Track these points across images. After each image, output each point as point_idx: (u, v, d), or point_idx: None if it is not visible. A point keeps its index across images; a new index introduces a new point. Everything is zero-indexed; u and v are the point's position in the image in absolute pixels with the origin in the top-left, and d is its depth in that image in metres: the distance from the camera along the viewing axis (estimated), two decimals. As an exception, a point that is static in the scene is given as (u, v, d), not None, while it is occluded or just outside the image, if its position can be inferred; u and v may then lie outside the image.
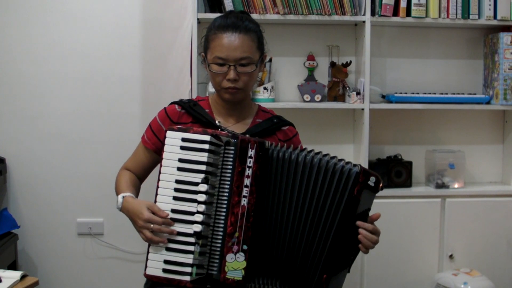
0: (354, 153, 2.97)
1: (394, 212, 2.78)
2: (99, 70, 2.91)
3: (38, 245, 2.96)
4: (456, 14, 2.79)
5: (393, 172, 2.87)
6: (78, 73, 2.91)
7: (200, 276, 1.58)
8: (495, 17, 2.80)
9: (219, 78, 1.74)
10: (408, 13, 2.77)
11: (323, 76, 2.95)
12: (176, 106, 1.83)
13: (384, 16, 2.76)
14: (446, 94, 2.90)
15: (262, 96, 2.77)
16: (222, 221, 1.59)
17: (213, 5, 2.71)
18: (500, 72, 2.82)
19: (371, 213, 1.66)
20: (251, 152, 1.60)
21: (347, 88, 2.87)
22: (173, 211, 1.60)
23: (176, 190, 1.61)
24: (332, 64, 2.91)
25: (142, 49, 2.93)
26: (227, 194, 1.59)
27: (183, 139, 1.62)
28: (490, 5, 2.79)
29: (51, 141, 2.92)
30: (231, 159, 1.60)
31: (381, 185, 1.62)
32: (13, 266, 2.76)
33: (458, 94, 2.90)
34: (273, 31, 2.81)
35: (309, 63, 2.92)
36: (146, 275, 1.61)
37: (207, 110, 1.83)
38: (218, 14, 2.64)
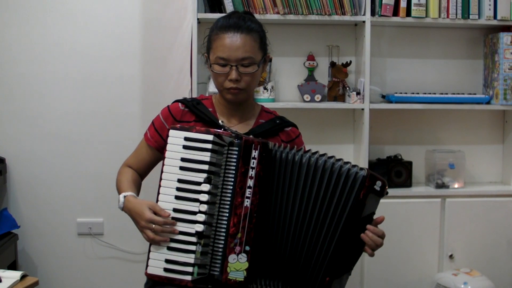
0: (354, 153, 2.97)
1: (394, 212, 2.78)
2: (99, 70, 2.91)
3: (38, 245, 2.96)
4: (456, 14, 2.79)
5: (393, 172, 2.87)
6: (78, 73, 2.91)
7: (202, 276, 1.58)
8: (495, 17, 2.80)
9: (221, 79, 1.73)
10: (408, 13, 2.77)
11: (323, 76, 2.95)
12: (180, 104, 1.83)
13: (384, 16, 2.76)
14: (446, 94, 2.90)
15: (262, 96, 2.77)
16: (225, 222, 1.58)
17: (213, 5, 2.71)
18: (500, 72, 2.82)
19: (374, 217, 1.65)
20: (254, 153, 1.59)
21: (347, 88, 2.87)
22: (175, 210, 1.60)
23: (178, 189, 1.60)
24: (332, 64, 2.91)
25: (142, 49, 2.93)
26: (230, 195, 1.59)
27: (186, 138, 1.62)
28: (490, 5, 2.79)
29: (51, 141, 2.92)
30: (234, 160, 1.59)
31: (386, 189, 1.62)
32: (13, 266, 2.76)
33: (458, 94, 2.90)
34: (273, 31, 2.79)
35: (309, 63, 2.92)
36: (147, 274, 1.61)
37: (210, 109, 1.82)
38: (218, 14, 2.66)
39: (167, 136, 1.64)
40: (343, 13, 2.72)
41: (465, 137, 3.05)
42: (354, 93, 2.77)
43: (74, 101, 2.92)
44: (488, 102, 2.90)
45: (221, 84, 1.74)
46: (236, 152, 1.59)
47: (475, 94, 2.95)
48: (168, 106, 1.85)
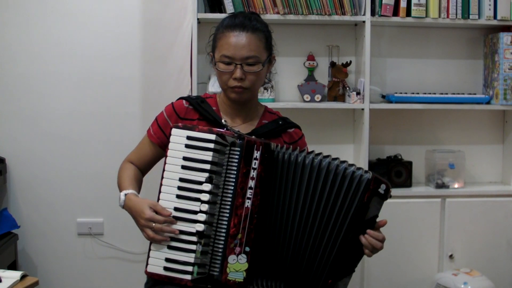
0: (354, 153, 2.97)
1: (394, 212, 2.77)
2: (99, 70, 2.91)
3: (38, 245, 2.96)
4: (456, 14, 2.79)
5: (393, 172, 2.87)
6: (78, 73, 2.91)
7: (201, 276, 1.58)
8: (495, 17, 2.80)
9: (226, 77, 1.73)
10: (408, 13, 2.77)
11: (323, 76, 2.95)
12: (184, 101, 1.83)
13: (384, 16, 2.76)
14: (446, 94, 2.90)
15: (262, 96, 2.77)
16: (225, 222, 1.58)
17: (213, 5, 2.71)
18: (500, 72, 2.82)
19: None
20: (256, 154, 1.59)
21: (347, 88, 2.87)
22: (176, 209, 1.60)
23: (179, 188, 1.60)
24: (332, 64, 2.91)
25: (142, 49, 2.93)
26: (231, 195, 1.59)
27: (188, 137, 1.61)
28: (490, 5, 2.79)
29: (51, 141, 2.92)
30: (236, 160, 1.59)
31: (390, 193, 1.61)
32: (13, 266, 2.76)
33: (458, 94, 2.90)
34: (273, 31, 2.80)
35: (309, 63, 2.92)
36: (147, 273, 1.61)
37: (214, 108, 1.82)
38: (218, 14, 2.67)
39: (170, 134, 1.63)
40: (343, 13, 2.72)
41: (465, 137, 3.05)
42: (354, 93, 2.77)
43: (74, 101, 2.92)
44: (488, 102, 2.90)
45: (225, 82, 1.74)
46: (238, 153, 1.59)
47: (475, 94, 2.95)
48: (172, 103, 1.84)
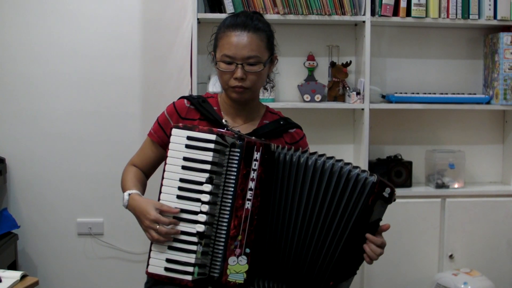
0: (354, 153, 2.97)
1: (394, 212, 2.75)
2: (99, 70, 2.91)
3: (38, 245, 2.95)
4: (456, 14, 2.79)
5: (393, 172, 2.87)
6: (78, 73, 2.91)
7: (202, 277, 1.57)
8: (495, 17, 2.80)
9: (227, 77, 1.72)
10: (408, 13, 2.77)
11: (323, 76, 2.95)
12: (185, 101, 1.82)
13: (384, 16, 2.76)
14: (446, 94, 2.90)
15: (262, 96, 2.77)
16: (225, 224, 1.58)
17: (213, 5, 2.71)
18: (500, 72, 2.82)
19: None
20: (256, 155, 1.58)
21: (347, 88, 2.87)
22: None
23: (180, 188, 1.60)
24: (332, 64, 2.91)
25: (142, 49, 2.93)
26: (231, 197, 1.58)
27: (189, 138, 1.61)
28: (490, 5, 2.79)
29: (51, 141, 2.92)
30: (236, 161, 1.58)
31: (395, 196, 1.61)
32: (13, 266, 2.75)
33: (458, 94, 2.90)
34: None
35: (309, 63, 2.92)
36: (147, 273, 1.61)
37: (215, 108, 1.81)
38: (218, 14, 2.67)
39: (170, 135, 1.63)
40: (343, 13, 2.72)
41: (465, 137, 3.05)
42: (354, 93, 2.77)
43: (74, 101, 2.92)
44: (488, 102, 2.90)
45: (226, 82, 1.73)
46: (238, 154, 1.58)
47: (475, 94, 2.95)
48: (173, 102, 1.83)
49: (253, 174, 1.58)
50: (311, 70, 2.92)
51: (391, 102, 2.84)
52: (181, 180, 1.60)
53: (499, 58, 2.82)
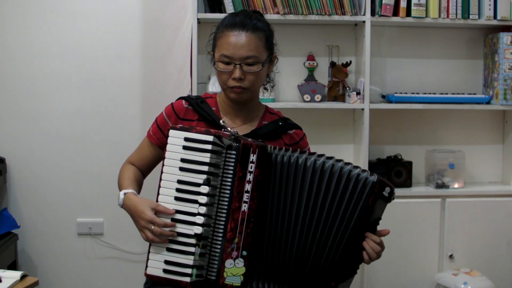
0: (354, 153, 2.97)
1: (394, 212, 2.76)
2: (99, 70, 2.91)
3: (38, 245, 2.96)
4: (456, 14, 2.79)
5: (393, 172, 2.87)
6: (78, 73, 2.91)
7: (199, 279, 1.57)
8: (495, 17, 2.80)
9: (225, 77, 1.71)
10: (408, 13, 2.77)
11: (323, 76, 2.95)
12: (184, 101, 1.81)
13: (384, 16, 2.76)
14: (446, 94, 2.90)
15: (262, 96, 2.77)
16: (222, 226, 1.57)
17: (213, 5, 2.71)
18: (500, 72, 2.82)
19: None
20: (252, 157, 1.57)
21: (347, 88, 2.87)
22: (175, 211, 1.59)
23: (178, 190, 1.59)
24: (332, 64, 2.91)
25: (142, 49, 2.93)
26: (227, 199, 1.57)
27: (186, 139, 1.60)
28: (490, 5, 2.79)
29: (51, 141, 2.92)
30: (232, 163, 1.57)
31: (394, 195, 1.61)
32: (13, 266, 2.76)
33: (458, 94, 2.90)
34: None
35: (309, 63, 2.92)
36: (146, 275, 1.61)
37: (213, 108, 1.80)
38: (218, 14, 2.66)
39: (168, 136, 1.62)
40: (343, 13, 2.72)
41: (465, 137, 3.05)
42: (354, 93, 2.77)
43: (74, 101, 2.92)
44: (488, 102, 2.89)
45: (224, 82, 1.72)
46: (234, 156, 1.57)
47: (475, 94, 2.95)
48: (172, 103, 1.83)
49: (250, 177, 1.57)
50: (311, 70, 2.92)
51: (391, 102, 2.84)
52: (179, 181, 1.59)
53: (499, 58, 2.82)
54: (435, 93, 2.91)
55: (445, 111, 2.99)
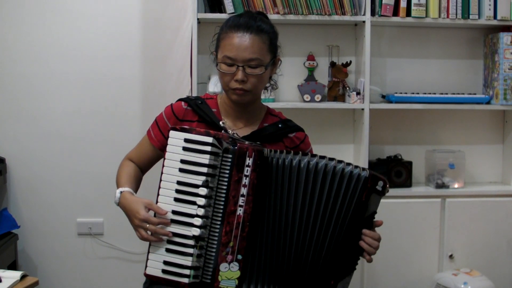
0: (354, 153, 2.97)
1: (394, 212, 2.78)
2: (99, 70, 2.91)
3: (38, 245, 2.96)
4: (456, 14, 2.79)
5: (393, 172, 2.87)
6: (78, 73, 2.91)
7: (196, 281, 1.57)
8: (495, 17, 2.80)
9: (227, 78, 1.70)
10: (408, 13, 2.77)
11: (323, 76, 2.95)
12: (183, 103, 1.80)
13: (384, 16, 2.76)
14: (446, 94, 2.90)
15: (262, 96, 2.76)
16: (218, 230, 1.57)
17: (213, 5, 2.71)
18: (500, 72, 2.82)
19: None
20: (248, 161, 1.57)
21: (347, 88, 2.87)
22: (174, 212, 1.59)
23: (177, 191, 1.59)
24: (332, 64, 2.91)
25: (142, 49, 2.93)
26: (223, 203, 1.57)
27: (186, 140, 1.60)
28: (490, 5, 2.79)
29: (51, 141, 2.92)
30: (228, 167, 1.57)
31: (388, 188, 1.61)
32: (13, 266, 2.76)
33: (458, 94, 2.90)
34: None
35: (309, 63, 2.92)
36: (145, 275, 1.61)
37: (214, 110, 1.80)
38: (218, 14, 2.67)
39: (168, 137, 1.62)
40: (343, 13, 2.72)
41: (465, 137, 3.05)
42: (354, 93, 2.77)
43: (74, 101, 2.92)
44: (488, 102, 2.89)
45: (226, 84, 1.71)
46: (230, 159, 1.57)
47: (475, 94, 2.95)
48: (171, 104, 1.82)
49: (245, 180, 1.57)
50: (311, 70, 2.92)
51: (391, 102, 2.84)
52: (178, 182, 1.59)
53: (499, 58, 2.82)
54: (435, 93, 2.91)
55: (445, 111, 2.99)
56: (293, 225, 1.59)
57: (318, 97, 2.85)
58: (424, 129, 3.03)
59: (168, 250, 1.58)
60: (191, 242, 1.57)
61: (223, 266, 1.57)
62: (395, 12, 2.77)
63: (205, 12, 2.74)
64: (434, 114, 3.02)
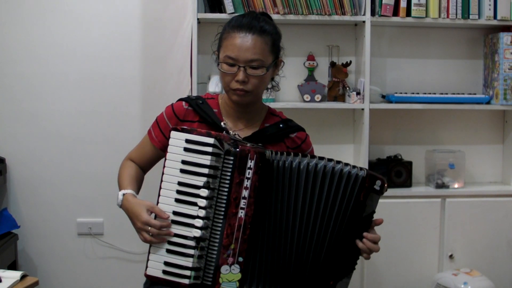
0: (354, 153, 2.97)
1: (394, 212, 2.78)
2: (99, 70, 2.91)
3: (38, 245, 2.96)
4: (456, 14, 2.79)
5: (393, 172, 2.87)
6: (78, 73, 2.91)
7: (196, 282, 1.57)
8: (495, 17, 2.80)
9: (228, 78, 1.69)
10: (408, 13, 2.77)
11: (323, 76, 2.95)
12: (184, 103, 1.80)
13: (384, 16, 2.76)
14: (446, 94, 2.90)
15: (263, 96, 2.76)
16: (219, 232, 1.57)
17: (213, 5, 2.71)
18: (500, 72, 2.82)
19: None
20: (250, 163, 1.56)
21: (347, 88, 2.87)
22: (175, 213, 1.59)
23: (178, 192, 1.59)
24: (332, 64, 2.91)
25: (142, 49, 2.93)
26: (224, 205, 1.57)
27: (187, 141, 1.59)
28: (490, 5, 2.79)
29: (51, 141, 2.92)
30: (230, 169, 1.57)
31: (386, 187, 1.61)
32: (13, 266, 2.76)
33: (458, 94, 2.90)
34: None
35: (309, 63, 2.92)
36: (146, 275, 1.61)
37: (215, 110, 1.79)
38: (218, 14, 2.66)
39: (169, 137, 1.62)
40: (343, 13, 2.72)
41: (465, 137, 3.05)
42: (354, 93, 2.77)
43: (74, 101, 2.92)
44: (488, 102, 2.90)
45: (227, 84, 1.70)
46: (232, 162, 1.57)
47: (475, 94, 2.95)
48: (172, 104, 1.82)
49: (247, 183, 1.56)
50: (311, 70, 2.92)
51: (391, 102, 2.84)
52: (180, 183, 1.59)
53: (499, 58, 2.82)
54: (435, 93, 2.91)
55: (445, 111, 2.99)
56: (293, 226, 1.60)
57: (318, 97, 2.85)
58: (424, 129, 3.03)
59: (168, 251, 1.58)
60: (192, 243, 1.57)
61: (224, 268, 1.57)
62: (395, 12, 2.77)
63: (205, 12, 2.74)
64: (434, 114, 3.02)
